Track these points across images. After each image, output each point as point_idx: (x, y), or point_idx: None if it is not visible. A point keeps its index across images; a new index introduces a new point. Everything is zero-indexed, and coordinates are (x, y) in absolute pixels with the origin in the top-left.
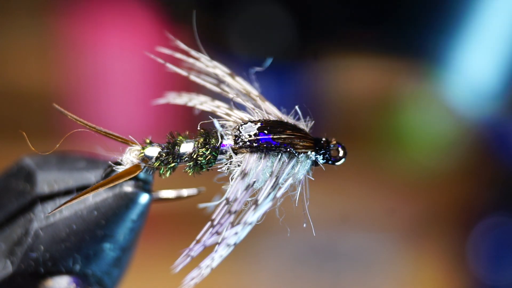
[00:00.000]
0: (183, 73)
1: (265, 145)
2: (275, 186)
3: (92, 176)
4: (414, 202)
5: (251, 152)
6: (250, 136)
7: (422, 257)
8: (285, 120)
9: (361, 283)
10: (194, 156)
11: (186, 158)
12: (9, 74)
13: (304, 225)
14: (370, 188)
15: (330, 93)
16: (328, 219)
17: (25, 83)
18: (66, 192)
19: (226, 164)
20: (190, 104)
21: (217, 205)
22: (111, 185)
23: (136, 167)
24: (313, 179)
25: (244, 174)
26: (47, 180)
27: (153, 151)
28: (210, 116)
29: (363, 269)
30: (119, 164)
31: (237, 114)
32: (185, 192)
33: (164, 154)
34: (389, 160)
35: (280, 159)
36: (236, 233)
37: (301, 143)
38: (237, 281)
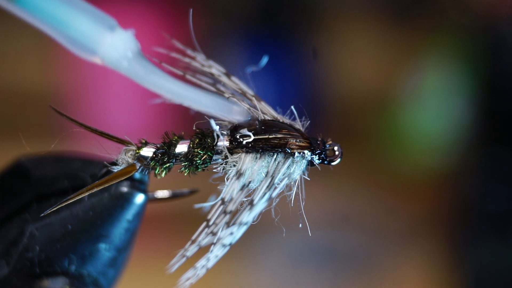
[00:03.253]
0: (179, 72)
1: (260, 145)
2: (270, 186)
3: (88, 176)
4: (414, 202)
5: (247, 152)
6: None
7: (422, 257)
8: (281, 120)
9: (360, 283)
10: (190, 156)
11: (182, 158)
12: (8, 73)
13: (300, 225)
14: (370, 188)
15: (329, 90)
16: (328, 219)
17: (24, 83)
18: (62, 192)
19: (221, 164)
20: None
21: (213, 205)
22: (107, 185)
23: (131, 167)
24: (308, 179)
25: (239, 174)
26: (43, 180)
27: (148, 151)
28: (206, 116)
29: (362, 269)
30: (115, 164)
31: None
32: (180, 192)
33: (159, 154)
34: (389, 160)
35: (275, 159)
36: (231, 233)
37: (296, 143)
38: (236, 281)
